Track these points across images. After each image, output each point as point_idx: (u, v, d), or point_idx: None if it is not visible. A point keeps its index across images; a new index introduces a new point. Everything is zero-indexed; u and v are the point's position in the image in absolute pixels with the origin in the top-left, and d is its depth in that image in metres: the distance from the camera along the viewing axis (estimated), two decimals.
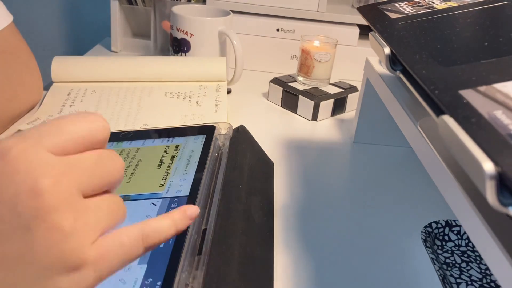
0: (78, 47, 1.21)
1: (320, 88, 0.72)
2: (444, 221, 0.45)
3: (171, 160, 0.42)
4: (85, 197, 0.22)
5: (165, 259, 0.31)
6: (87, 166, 0.22)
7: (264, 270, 0.36)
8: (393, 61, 0.40)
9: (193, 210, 0.27)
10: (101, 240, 0.22)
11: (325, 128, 0.67)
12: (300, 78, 0.73)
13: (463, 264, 0.41)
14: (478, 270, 0.41)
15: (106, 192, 0.24)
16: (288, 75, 0.75)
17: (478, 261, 0.42)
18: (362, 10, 0.48)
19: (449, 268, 0.41)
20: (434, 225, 0.44)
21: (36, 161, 0.21)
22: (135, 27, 0.94)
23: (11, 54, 0.58)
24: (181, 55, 0.74)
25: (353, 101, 0.72)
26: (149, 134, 0.47)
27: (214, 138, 0.45)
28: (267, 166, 0.51)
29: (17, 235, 0.20)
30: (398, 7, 0.46)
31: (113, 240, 0.22)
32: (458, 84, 0.28)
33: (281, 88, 0.71)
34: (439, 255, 0.42)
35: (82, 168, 0.22)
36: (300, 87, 0.71)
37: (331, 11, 0.85)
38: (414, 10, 0.44)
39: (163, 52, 0.85)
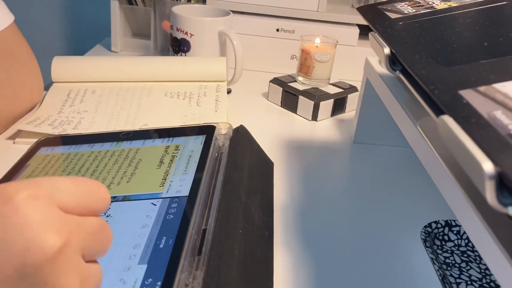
0: (78, 47, 1.21)
1: (320, 88, 0.72)
2: (444, 221, 0.45)
3: (171, 160, 0.42)
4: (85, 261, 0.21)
5: (165, 259, 0.31)
6: (93, 230, 0.21)
7: (264, 269, 0.36)
8: (393, 61, 0.40)
9: None
10: None
11: (325, 128, 0.67)
12: (300, 78, 0.73)
13: (463, 264, 0.41)
14: (478, 270, 0.41)
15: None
16: (288, 75, 0.75)
17: (478, 261, 0.42)
18: (362, 10, 0.48)
19: (448, 268, 0.41)
20: (434, 225, 0.44)
21: (50, 215, 0.19)
22: (135, 27, 0.94)
23: (12, 54, 0.58)
24: (181, 55, 0.74)
25: (353, 101, 0.72)
26: (149, 134, 0.47)
27: (214, 138, 0.45)
28: (267, 166, 0.51)
29: None
30: (398, 7, 0.46)
31: None
32: (458, 84, 0.28)
33: (281, 88, 0.71)
34: (439, 255, 0.42)
35: (88, 232, 0.21)
36: (300, 87, 0.71)
37: (331, 11, 0.85)
38: (414, 10, 0.44)
39: (163, 52, 0.85)
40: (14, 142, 0.53)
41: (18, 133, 0.55)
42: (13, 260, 0.18)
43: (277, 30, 0.84)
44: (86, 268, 0.21)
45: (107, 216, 0.35)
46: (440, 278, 0.37)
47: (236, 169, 0.42)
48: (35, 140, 0.47)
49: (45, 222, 0.18)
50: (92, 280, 0.21)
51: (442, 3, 0.44)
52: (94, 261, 0.22)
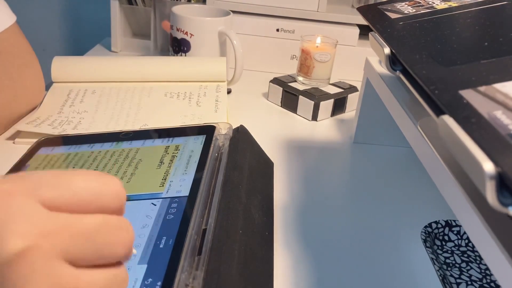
0: (78, 47, 1.21)
1: (320, 88, 0.72)
2: (444, 221, 0.45)
3: (171, 160, 0.42)
4: (78, 266, 0.18)
5: (165, 259, 0.31)
6: (84, 231, 0.19)
7: (264, 269, 0.36)
8: (393, 61, 0.40)
9: None
10: None
11: (325, 128, 0.67)
12: (300, 78, 0.73)
13: (463, 264, 0.41)
14: (478, 270, 0.41)
15: (110, 265, 0.20)
16: (288, 75, 0.75)
17: (478, 261, 0.42)
18: (362, 10, 0.48)
19: (449, 268, 0.41)
20: (434, 225, 0.44)
21: (19, 214, 0.17)
22: (135, 27, 0.94)
23: (14, 54, 0.58)
24: (181, 55, 0.74)
25: (353, 101, 0.72)
26: (149, 134, 0.47)
27: (214, 138, 0.45)
28: (267, 166, 0.51)
29: None
30: (398, 7, 0.46)
31: None
32: (458, 84, 0.28)
33: (281, 88, 0.71)
34: (439, 255, 0.42)
35: (76, 233, 0.18)
36: (300, 87, 0.71)
37: (331, 11, 0.85)
38: (414, 10, 0.44)
39: (163, 52, 0.85)
40: (14, 142, 0.53)
41: (18, 133, 0.55)
42: None
43: (277, 30, 0.84)
44: (68, 275, 0.18)
45: None
46: (441, 278, 0.37)
47: (236, 169, 0.42)
48: (35, 140, 0.47)
49: (11, 222, 0.17)
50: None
51: (442, 3, 0.44)
52: (101, 266, 0.19)
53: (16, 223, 0.17)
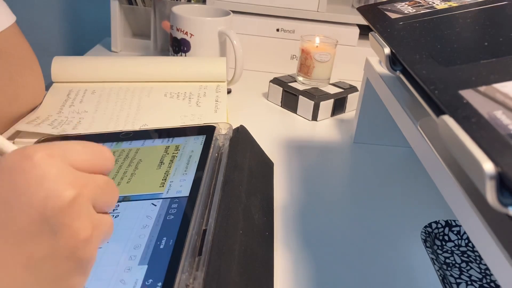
0: (78, 47, 1.21)
1: (320, 88, 0.72)
2: (444, 221, 0.45)
3: (171, 161, 0.42)
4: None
5: (166, 260, 0.31)
6: (101, 185, 0.25)
7: (264, 270, 0.36)
8: (393, 61, 0.40)
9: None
10: None
11: (325, 128, 0.67)
12: (300, 78, 0.73)
13: (463, 264, 0.41)
14: (478, 270, 0.41)
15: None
16: (288, 75, 0.75)
17: (478, 261, 0.42)
18: (362, 10, 0.48)
19: (449, 268, 0.41)
20: (434, 225, 0.44)
21: (64, 170, 0.22)
22: (135, 27, 0.94)
23: (14, 54, 0.58)
24: (181, 55, 0.74)
25: (353, 101, 0.72)
26: (149, 134, 0.47)
27: (214, 138, 0.45)
28: (267, 166, 0.51)
29: (44, 238, 0.21)
30: (398, 7, 0.46)
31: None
32: (458, 84, 0.28)
33: (281, 88, 0.71)
34: (439, 255, 0.42)
35: (97, 186, 0.24)
36: (300, 87, 0.71)
37: (331, 11, 0.85)
38: (414, 10, 0.44)
39: (163, 52, 0.85)
40: (14, 142, 0.53)
41: (18, 133, 0.55)
42: (36, 206, 0.21)
43: (277, 30, 0.84)
44: (97, 216, 0.24)
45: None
46: (440, 278, 0.37)
47: (236, 169, 0.42)
48: (35, 140, 0.47)
49: (60, 176, 0.22)
50: (103, 228, 0.24)
51: (442, 3, 0.44)
52: (105, 213, 0.25)
53: (65, 177, 0.22)
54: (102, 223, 0.24)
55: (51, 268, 0.22)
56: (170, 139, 0.46)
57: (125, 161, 0.42)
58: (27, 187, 0.21)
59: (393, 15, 0.44)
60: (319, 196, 0.50)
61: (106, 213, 0.26)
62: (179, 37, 0.73)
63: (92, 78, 0.66)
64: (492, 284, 0.39)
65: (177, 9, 0.74)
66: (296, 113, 0.70)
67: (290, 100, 0.71)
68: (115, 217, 0.35)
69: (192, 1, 0.84)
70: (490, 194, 0.21)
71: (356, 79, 0.76)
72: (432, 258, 0.39)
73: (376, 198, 0.51)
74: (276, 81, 0.73)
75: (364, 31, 0.85)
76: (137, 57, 0.71)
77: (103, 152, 0.26)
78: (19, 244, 0.21)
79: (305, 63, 0.71)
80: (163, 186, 0.39)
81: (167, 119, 0.58)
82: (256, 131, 0.53)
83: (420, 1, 0.47)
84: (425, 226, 0.44)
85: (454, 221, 0.45)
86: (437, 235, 0.44)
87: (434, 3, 0.45)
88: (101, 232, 0.24)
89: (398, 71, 0.39)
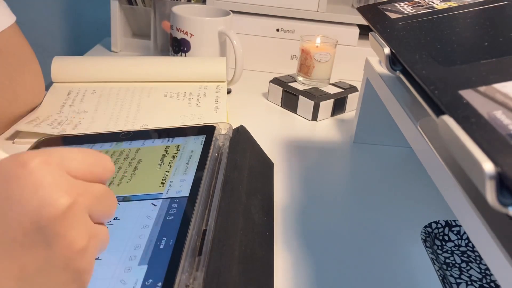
0: (78, 47, 1.21)
1: (320, 88, 0.72)
2: (444, 221, 0.45)
3: (171, 161, 0.42)
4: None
5: (166, 260, 0.31)
6: (98, 194, 0.24)
7: (264, 270, 0.36)
8: (393, 61, 0.40)
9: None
10: None
11: (325, 128, 0.67)
12: (300, 78, 0.73)
13: (463, 264, 0.41)
14: (478, 270, 0.41)
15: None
16: (288, 75, 0.75)
17: (478, 261, 0.42)
18: (362, 10, 0.48)
19: (449, 268, 0.41)
20: (434, 225, 0.44)
21: (60, 178, 0.21)
22: (135, 27, 0.94)
23: (14, 54, 0.58)
24: (181, 55, 0.74)
25: (353, 101, 0.72)
26: (149, 134, 0.47)
27: (214, 138, 0.45)
28: (267, 166, 0.51)
29: (38, 249, 0.20)
30: (398, 7, 0.46)
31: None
32: (458, 84, 0.28)
33: (281, 88, 0.71)
34: (439, 255, 0.42)
35: (94, 195, 0.23)
36: (300, 87, 0.71)
37: (331, 11, 0.85)
38: (414, 10, 0.44)
39: (163, 52, 0.85)
40: (13, 142, 0.53)
41: (18, 133, 0.55)
42: (29, 215, 0.20)
43: (277, 30, 0.84)
44: (93, 226, 0.23)
45: None
46: (440, 278, 0.37)
47: (236, 169, 0.42)
48: (35, 140, 0.47)
49: (56, 184, 0.21)
50: (99, 238, 0.23)
51: (442, 3, 0.44)
52: (101, 223, 0.25)
53: (60, 185, 0.21)
54: (98, 233, 0.24)
55: (46, 281, 0.21)
56: (170, 139, 0.46)
57: (125, 161, 0.42)
58: (21, 195, 0.20)
59: (393, 15, 0.44)
60: (319, 196, 0.50)
61: (102, 223, 0.25)
62: (179, 37, 0.73)
63: (92, 78, 0.66)
64: (492, 284, 0.39)
65: (177, 9, 0.74)
66: (296, 113, 0.70)
67: (290, 100, 0.71)
68: (115, 218, 0.35)
69: (192, 1, 0.84)
70: (490, 194, 0.21)
71: (356, 79, 0.76)
72: (432, 258, 0.39)
73: (376, 198, 0.51)
74: (276, 81, 0.73)
75: (364, 31, 0.85)
76: (137, 57, 0.71)
77: (103, 161, 0.25)
78: (12, 255, 0.20)
79: (305, 63, 0.71)
80: (163, 186, 0.39)
81: (167, 119, 0.58)
82: (256, 131, 0.53)
83: (420, 1, 0.47)
84: (425, 226, 0.44)
85: (454, 221, 0.45)
86: (437, 235, 0.44)
87: (434, 3, 0.45)
88: (97, 242, 0.23)
89: (398, 71, 0.39)
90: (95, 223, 0.24)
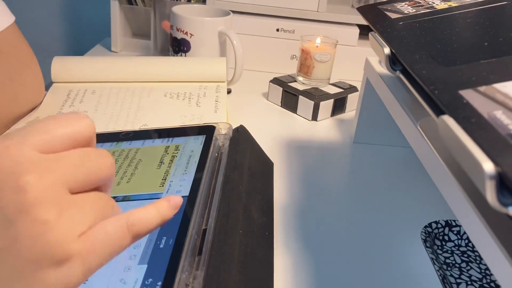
0: (78, 47, 1.21)
1: (320, 88, 0.72)
2: (444, 221, 0.45)
3: (171, 160, 0.42)
4: (73, 193, 0.22)
5: (166, 259, 0.31)
6: (73, 162, 0.22)
7: (264, 270, 0.36)
8: (393, 61, 0.40)
9: (176, 200, 0.26)
10: (87, 232, 0.22)
11: (325, 128, 0.67)
12: (300, 78, 0.73)
13: (463, 264, 0.41)
14: (478, 270, 0.41)
15: (96, 189, 0.24)
16: (288, 75, 0.75)
17: (478, 261, 0.42)
18: (362, 10, 0.48)
19: (449, 268, 0.41)
20: (434, 225, 0.44)
21: (20, 158, 0.21)
22: (135, 27, 0.94)
23: (13, 54, 0.58)
24: (181, 55, 0.74)
25: (353, 101, 0.72)
26: (149, 134, 0.47)
27: (214, 138, 0.45)
28: (267, 166, 0.51)
29: (1, 229, 0.20)
30: (398, 7, 0.46)
31: (99, 232, 0.22)
32: (458, 84, 0.28)
33: (281, 88, 0.71)
34: (439, 255, 0.42)
35: (68, 164, 0.22)
36: (300, 87, 0.71)
37: (331, 11, 0.85)
38: (414, 10, 0.44)
39: (163, 52, 0.85)
40: None
41: None
42: None
43: (277, 30, 0.84)
44: (69, 198, 0.22)
45: None
46: (440, 278, 0.37)
47: (236, 169, 0.42)
48: None
49: (17, 166, 0.21)
50: (80, 207, 0.22)
51: (442, 3, 0.44)
52: (95, 190, 0.23)
53: (24, 164, 0.21)
54: (82, 203, 0.22)
55: (15, 260, 0.20)
56: (170, 139, 0.46)
57: (125, 161, 0.42)
58: None
59: (393, 15, 0.44)
60: (319, 196, 0.50)
61: (94, 190, 0.24)
62: (179, 37, 0.73)
63: (92, 78, 0.66)
64: (492, 284, 0.39)
65: (177, 9, 0.74)
66: (296, 113, 0.70)
67: (290, 100, 0.71)
68: None
69: (192, 1, 0.84)
70: (490, 194, 0.21)
71: (356, 79, 0.76)
72: (432, 258, 0.39)
73: (376, 198, 0.51)
74: (276, 81, 0.73)
75: (364, 31, 0.85)
76: (137, 57, 0.71)
77: (77, 120, 0.23)
78: None
79: (305, 63, 0.71)
80: (163, 185, 0.39)
81: (167, 119, 0.59)
82: (256, 131, 0.53)
83: (420, 1, 0.47)
84: (425, 226, 0.44)
85: (454, 221, 0.45)
86: (437, 235, 0.44)
87: (434, 3, 0.45)
88: (80, 212, 0.22)
89: (398, 71, 0.39)
90: (88, 190, 0.23)
